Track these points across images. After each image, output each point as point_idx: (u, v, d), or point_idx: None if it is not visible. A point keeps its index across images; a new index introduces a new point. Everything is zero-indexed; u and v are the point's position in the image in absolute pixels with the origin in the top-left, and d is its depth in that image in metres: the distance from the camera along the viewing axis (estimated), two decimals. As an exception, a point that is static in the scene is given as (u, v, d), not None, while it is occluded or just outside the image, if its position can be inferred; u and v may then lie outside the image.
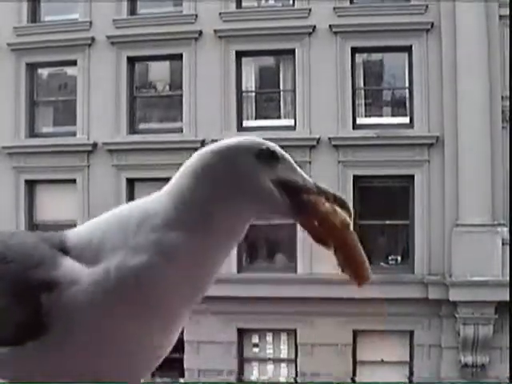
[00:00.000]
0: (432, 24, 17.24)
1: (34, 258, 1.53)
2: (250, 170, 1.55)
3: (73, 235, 1.61)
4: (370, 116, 18.13)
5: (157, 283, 1.51)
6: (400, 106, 18.33)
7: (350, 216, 1.67)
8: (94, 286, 1.48)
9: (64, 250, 1.55)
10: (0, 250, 1.56)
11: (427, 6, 17.35)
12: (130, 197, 17.49)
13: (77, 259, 1.53)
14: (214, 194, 1.54)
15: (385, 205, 17.86)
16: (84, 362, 1.51)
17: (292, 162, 1.62)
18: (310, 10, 17.82)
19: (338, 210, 1.65)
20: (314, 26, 17.70)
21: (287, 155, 1.61)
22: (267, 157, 1.58)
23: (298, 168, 1.62)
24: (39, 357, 1.51)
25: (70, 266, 1.52)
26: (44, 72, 19.68)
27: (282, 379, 18.12)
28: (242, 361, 18.17)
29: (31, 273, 1.50)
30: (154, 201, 1.58)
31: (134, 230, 1.53)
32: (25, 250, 1.56)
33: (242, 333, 18.04)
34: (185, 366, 17.94)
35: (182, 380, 18.16)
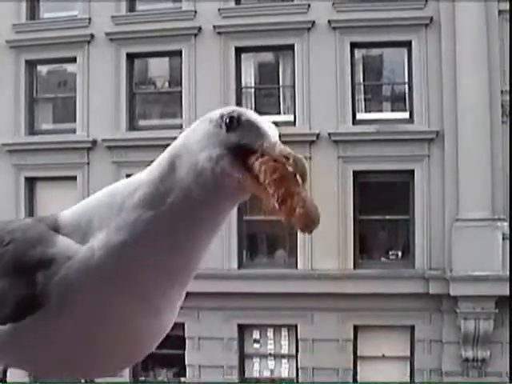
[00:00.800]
0: (431, 19, 17.22)
1: (32, 239, 1.60)
2: (204, 140, 1.55)
3: (66, 215, 1.67)
4: (369, 111, 18.12)
5: (135, 263, 1.54)
6: (400, 101, 18.32)
7: (302, 174, 1.49)
8: (82, 263, 1.54)
9: (58, 229, 1.62)
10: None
11: (427, 1, 17.33)
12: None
13: (69, 237, 1.59)
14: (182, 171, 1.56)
15: (385, 200, 17.87)
16: (79, 334, 1.56)
17: (259, 125, 1.55)
18: (309, 5, 17.80)
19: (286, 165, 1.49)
20: (314, 22, 17.69)
21: (256, 119, 1.56)
22: (228, 122, 1.55)
23: (267, 132, 1.54)
24: (38, 331, 1.56)
25: (64, 243, 1.58)
26: (43, 69, 19.67)
27: (283, 375, 18.14)
28: (243, 356, 18.19)
29: (29, 252, 1.58)
30: (140, 179, 1.62)
31: (118, 208, 1.58)
32: (22, 232, 1.63)
33: (242, 328, 18.06)
34: (186, 362, 17.97)
35: (183, 379, 18.20)
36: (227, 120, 1.55)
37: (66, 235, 1.60)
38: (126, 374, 17.49)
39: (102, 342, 1.58)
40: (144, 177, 1.62)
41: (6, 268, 1.60)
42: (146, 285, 1.56)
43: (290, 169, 1.48)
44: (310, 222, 1.49)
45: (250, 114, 1.57)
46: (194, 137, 1.58)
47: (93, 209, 1.63)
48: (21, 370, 1.73)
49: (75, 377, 1.77)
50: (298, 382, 17.73)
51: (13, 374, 1.79)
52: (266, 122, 1.58)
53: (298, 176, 1.49)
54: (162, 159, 1.61)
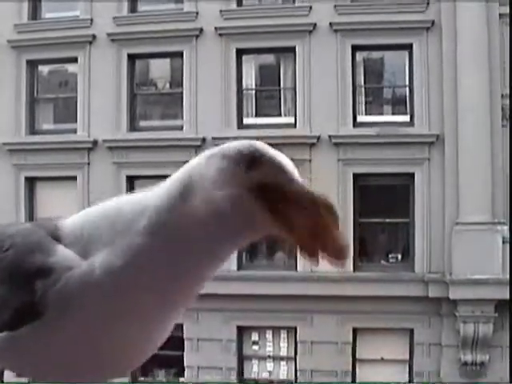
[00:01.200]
0: (433, 22, 17.23)
1: (31, 245, 1.58)
2: (220, 178, 1.43)
3: (67, 224, 1.63)
4: (370, 114, 18.13)
5: (135, 287, 1.51)
6: (400, 104, 18.32)
7: (334, 220, 1.40)
8: (82, 277, 1.51)
9: (58, 238, 1.58)
10: None
11: (428, 4, 17.35)
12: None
13: (69, 248, 1.56)
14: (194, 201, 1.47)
15: (385, 203, 17.87)
16: (76, 344, 1.55)
17: (281, 163, 1.43)
18: (310, 7, 17.81)
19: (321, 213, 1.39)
20: (315, 24, 17.70)
21: (276, 156, 1.45)
22: (247, 160, 1.43)
23: (290, 169, 1.44)
24: (34, 341, 1.54)
25: (64, 253, 1.55)
26: (44, 69, 19.68)
27: (282, 377, 18.13)
28: (242, 358, 18.18)
29: (29, 259, 1.55)
30: (147, 202, 1.54)
31: (121, 231, 1.53)
32: (22, 237, 1.60)
33: (241, 330, 18.05)
34: (185, 364, 17.97)
35: (182, 379, 18.20)
36: (247, 158, 1.43)
37: (66, 245, 1.57)
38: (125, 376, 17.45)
39: (98, 354, 1.57)
40: (152, 201, 1.53)
41: (4, 274, 1.58)
42: (145, 308, 1.54)
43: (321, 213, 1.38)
44: (341, 257, 1.39)
45: (271, 151, 1.46)
46: (208, 172, 1.46)
47: (95, 223, 1.59)
48: (17, 375, 1.73)
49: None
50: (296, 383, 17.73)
51: (11, 375, 1.79)
52: (285, 158, 1.47)
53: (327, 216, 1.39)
54: (172, 186, 1.51)
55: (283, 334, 18.10)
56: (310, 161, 17.51)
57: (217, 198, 1.42)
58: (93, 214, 1.62)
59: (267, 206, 1.40)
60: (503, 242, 16.14)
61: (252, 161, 1.43)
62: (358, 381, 17.47)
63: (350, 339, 17.45)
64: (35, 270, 1.53)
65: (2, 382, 1.76)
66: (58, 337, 1.54)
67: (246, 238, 1.51)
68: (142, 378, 18.40)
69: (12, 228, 1.70)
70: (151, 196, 1.54)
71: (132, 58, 18.66)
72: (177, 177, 1.51)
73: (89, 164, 18.63)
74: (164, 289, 1.53)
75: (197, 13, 18.26)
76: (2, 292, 1.56)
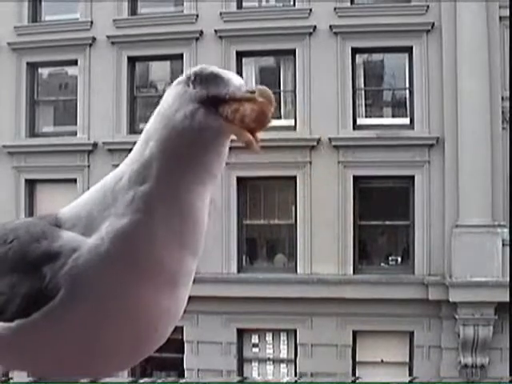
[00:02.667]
0: (433, 25, 17.24)
1: (36, 234, 1.63)
2: (176, 101, 1.66)
3: (65, 211, 1.72)
4: (370, 116, 18.13)
5: (144, 239, 1.58)
6: (400, 106, 18.33)
7: (270, 104, 1.61)
8: (91, 253, 1.57)
9: (59, 224, 1.66)
10: (1, 234, 1.68)
11: (428, 7, 17.35)
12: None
13: (72, 231, 1.63)
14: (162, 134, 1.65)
15: (385, 205, 17.87)
16: (90, 326, 1.57)
17: (223, 76, 1.66)
18: (310, 10, 17.82)
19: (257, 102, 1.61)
20: (315, 27, 17.71)
21: (216, 71, 1.67)
22: (195, 79, 1.65)
23: (232, 80, 1.66)
24: (47, 326, 1.57)
25: (69, 236, 1.62)
26: (45, 71, 19.69)
27: (285, 379, 18.10)
28: (242, 361, 18.17)
29: (33, 247, 1.60)
30: (124, 164, 1.69)
31: (112, 196, 1.64)
32: (25, 229, 1.67)
33: (241, 333, 18.04)
34: (184, 366, 17.96)
35: (182, 380, 18.17)
36: (193, 77, 1.64)
37: (69, 229, 1.64)
38: (125, 378, 17.45)
39: (115, 331, 1.59)
40: (126, 161, 1.68)
41: (11, 264, 1.61)
42: (160, 258, 1.59)
43: (260, 99, 1.60)
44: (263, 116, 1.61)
45: (213, 68, 1.67)
46: (166, 103, 1.68)
47: (90, 202, 1.68)
48: (24, 371, 1.73)
49: (85, 375, 1.77)
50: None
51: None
52: (229, 72, 1.69)
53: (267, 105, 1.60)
54: (139, 140, 1.69)
55: (283, 337, 18.09)
56: (310, 163, 17.51)
57: (177, 119, 1.62)
58: (85, 197, 1.71)
59: (219, 112, 1.61)
60: (503, 245, 16.14)
61: (200, 79, 1.64)
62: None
63: (350, 342, 17.44)
64: (41, 256, 1.58)
65: (8, 381, 1.76)
66: (72, 318, 1.56)
67: (217, 144, 1.65)
68: (142, 381, 18.36)
69: (13, 223, 1.75)
70: (126, 160, 1.69)
71: (132, 60, 18.67)
72: (143, 132, 1.70)
73: (89, 166, 18.63)
74: (171, 225, 1.59)
75: (197, 15, 18.27)
76: (11, 282, 1.60)
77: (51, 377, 1.79)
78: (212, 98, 1.61)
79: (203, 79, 1.64)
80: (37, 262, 1.58)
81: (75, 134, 18.85)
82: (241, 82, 1.66)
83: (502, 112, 16.73)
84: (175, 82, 1.70)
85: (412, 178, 17.38)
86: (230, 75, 1.67)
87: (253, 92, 1.61)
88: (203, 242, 1.69)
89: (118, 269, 1.56)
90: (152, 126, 1.68)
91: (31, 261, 1.59)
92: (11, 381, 1.77)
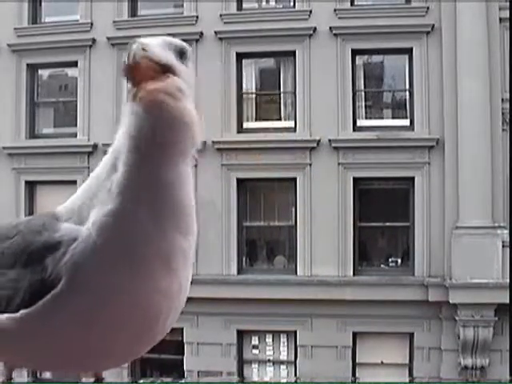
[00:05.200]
0: (433, 26, 17.25)
1: (36, 227, 1.70)
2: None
3: (62, 207, 1.79)
4: (370, 118, 18.14)
5: (127, 225, 1.62)
6: (400, 108, 18.34)
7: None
8: (84, 242, 1.62)
9: (58, 218, 1.73)
10: (4, 231, 1.74)
11: (428, 9, 17.36)
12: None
13: (69, 223, 1.70)
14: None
15: (385, 207, 17.86)
16: (91, 313, 1.60)
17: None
18: (310, 11, 17.83)
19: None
20: (315, 28, 17.72)
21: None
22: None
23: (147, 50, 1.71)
24: (49, 315, 1.60)
25: (67, 227, 1.68)
26: (45, 73, 19.69)
27: (283, 380, 18.12)
28: (242, 362, 18.16)
29: (36, 239, 1.66)
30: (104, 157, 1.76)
31: (96, 185, 1.71)
32: (26, 223, 1.74)
33: (241, 334, 18.04)
34: (185, 368, 17.95)
35: (181, 380, 18.17)
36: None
37: (66, 221, 1.70)
38: (125, 378, 17.46)
39: (116, 317, 1.61)
40: (109, 149, 1.74)
41: (15, 258, 1.66)
42: (147, 241, 1.61)
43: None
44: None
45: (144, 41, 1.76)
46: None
47: (81, 195, 1.76)
48: (29, 366, 1.74)
49: (86, 369, 1.77)
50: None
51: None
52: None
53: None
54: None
55: (283, 338, 18.09)
56: (310, 165, 17.51)
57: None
58: (78, 191, 1.79)
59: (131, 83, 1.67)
60: (503, 246, 16.14)
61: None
62: (357, 385, 17.48)
63: (350, 343, 17.43)
64: (43, 247, 1.63)
65: (11, 382, 1.76)
66: (74, 306, 1.59)
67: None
68: (142, 381, 18.38)
69: (14, 221, 1.81)
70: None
71: (132, 61, 18.64)
72: None
73: (89, 168, 18.59)
74: (154, 202, 1.62)
75: (197, 17, 18.28)
76: (15, 275, 1.64)
77: (55, 369, 1.82)
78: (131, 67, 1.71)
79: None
80: (39, 254, 1.63)
81: (75, 135, 18.85)
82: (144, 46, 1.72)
83: (502, 114, 16.73)
84: None
85: (412, 179, 17.38)
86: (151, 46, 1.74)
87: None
88: (194, 220, 1.69)
89: (109, 254, 1.60)
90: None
91: (33, 253, 1.63)
92: (13, 381, 1.77)
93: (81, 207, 1.71)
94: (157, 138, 1.62)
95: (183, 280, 1.70)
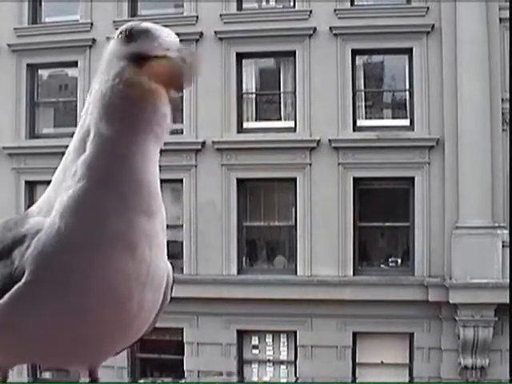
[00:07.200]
0: (433, 26, 17.25)
1: (9, 226, 1.70)
2: (108, 58, 1.67)
3: (34, 204, 1.78)
4: (370, 118, 18.14)
5: (89, 207, 1.60)
6: (400, 108, 18.34)
7: (183, 62, 1.62)
8: (48, 232, 1.60)
9: (29, 213, 1.73)
10: None
11: (428, 9, 17.36)
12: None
13: (39, 216, 1.69)
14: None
15: (385, 207, 17.87)
16: (57, 305, 1.58)
17: (153, 31, 1.63)
18: (310, 11, 17.83)
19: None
20: (315, 28, 17.72)
21: (149, 26, 1.64)
22: (125, 37, 1.64)
23: (162, 35, 1.63)
24: (14, 309, 1.59)
25: (34, 220, 1.67)
26: (45, 73, 19.70)
27: (283, 380, 18.11)
28: (242, 362, 18.17)
29: (7, 236, 1.67)
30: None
31: (63, 172, 1.70)
32: (4, 223, 1.74)
33: (241, 334, 18.03)
34: (185, 368, 17.95)
35: (181, 380, 18.18)
36: (124, 34, 1.64)
37: (38, 215, 1.69)
38: (125, 378, 17.47)
39: (86, 303, 1.58)
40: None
41: None
42: (110, 223, 1.59)
43: (173, 57, 1.59)
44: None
45: (146, 24, 1.65)
46: (101, 62, 1.68)
47: (51, 186, 1.74)
48: (17, 362, 1.74)
49: (74, 359, 1.75)
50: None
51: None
52: (162, 29, 1.65)
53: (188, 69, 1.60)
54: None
55: (283, 338, 18.09)
56: (310, 165, 17.52)
57: (108, 78, 1.62)
58: (50, 185, 1.76)
59: (143, 70, 1.59)
60: (503, 246, 16.15)
61: (131, 35, 1.62)
62: (357, 385, 17.49)
63: (350, 343, 17.44)
64: (12, 242, 1.63)
65: (6, 382, 1.75)
66: (38, 298, 1.58)
67: (148, 102, 1.61)
68: (142, 381, 18.38)
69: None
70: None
71: (132, 61, 18.65)
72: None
73: (89, 168, 18.60)
74: (112, 183, 1.60)
75: (197, 17, 18.28)
76: None
77: (40, 362, 1.82)
78: (141, 55, 1.60)
79: (135, 36, 1.62)
80: (8, 249, 1.63)
81: (75, 135, 18.83)
82: (171, 39, 1.64)
83: (502, 114, 16.74)
84: (109, 41, 1.70)
85: (412, 179, 17.39)
86: (161, 32, 1.64)
87: (179, 51, 1.61)
88: (159, 202, 1.67)
89: (72, 239, 1.58)
90: (91, 91, 1.69)
91: (4, 248, 1.64)
92: (8, 381, 1.76)
93: (49, 198, 1.70)
94: (128, 119, 1.60)
95: (152, 263, 1.65)
